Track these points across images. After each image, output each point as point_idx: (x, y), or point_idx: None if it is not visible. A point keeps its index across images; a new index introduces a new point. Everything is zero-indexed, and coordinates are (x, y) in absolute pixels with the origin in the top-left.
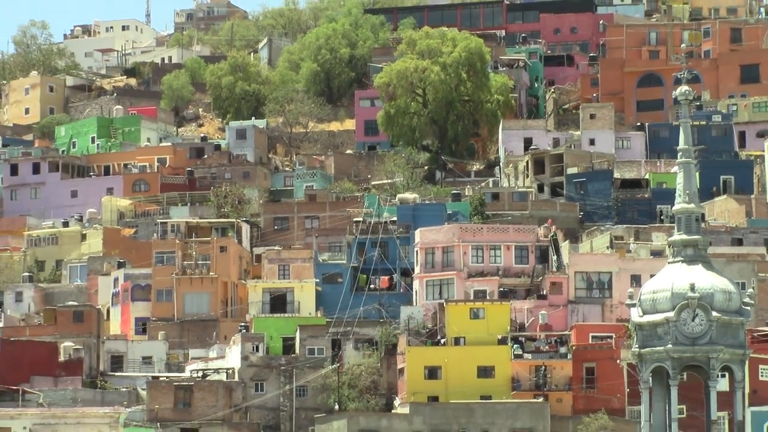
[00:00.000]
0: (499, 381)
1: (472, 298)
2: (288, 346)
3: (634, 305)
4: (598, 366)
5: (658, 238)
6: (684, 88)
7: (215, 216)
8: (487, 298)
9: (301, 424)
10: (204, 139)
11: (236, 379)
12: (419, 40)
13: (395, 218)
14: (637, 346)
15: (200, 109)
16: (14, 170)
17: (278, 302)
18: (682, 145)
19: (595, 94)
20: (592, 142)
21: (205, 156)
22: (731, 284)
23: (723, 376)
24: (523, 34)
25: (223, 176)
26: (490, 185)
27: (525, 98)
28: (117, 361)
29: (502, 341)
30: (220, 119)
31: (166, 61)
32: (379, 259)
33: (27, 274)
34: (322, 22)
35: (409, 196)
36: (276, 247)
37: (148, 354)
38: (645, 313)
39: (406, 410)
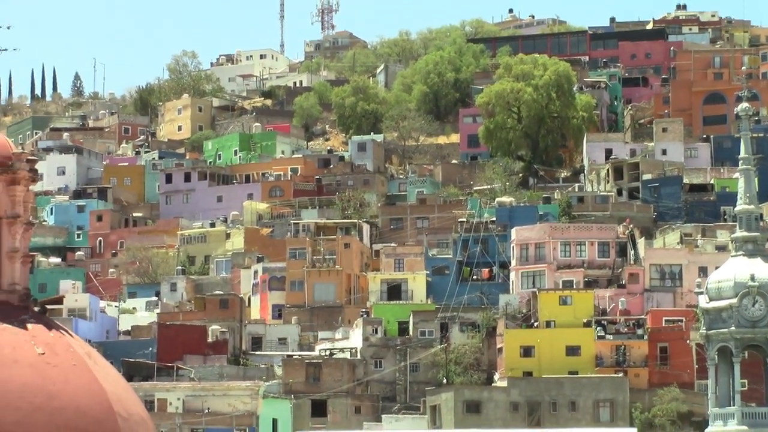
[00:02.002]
0: (584, 358)
1: (560, 287)
2: (402, 328)
3: (701, 293)
4: (670, 345)
5: (722, 235)
6: (744, 104)
7: (340, 217)
8: (574, 287)
9: (414, 396)
10: (330, 151)
11: (358, 357)
12: (514, 65)
13: (494, 218)
14: (704, 328)
15: (327, 126)
16: (169, 179)
17: (394, 291)
18: (742, 154)
19: (666, 111)
20: (664, 152)
21: (331, 166)
22: None
23: None
24: (604, 60)
25: (346, 183)
26: (576, 190)
27: (606, 114)
28: (257, 342)
29: (587, 324)
30: (344, 134)
31: (298, 85)
32: (481, 254)
33: (180, 267)
34: (431, 50)
35: (506, 199)
36: (392, 244)
37: (283, 336)
38: (711, 299)
39: (504, 384)
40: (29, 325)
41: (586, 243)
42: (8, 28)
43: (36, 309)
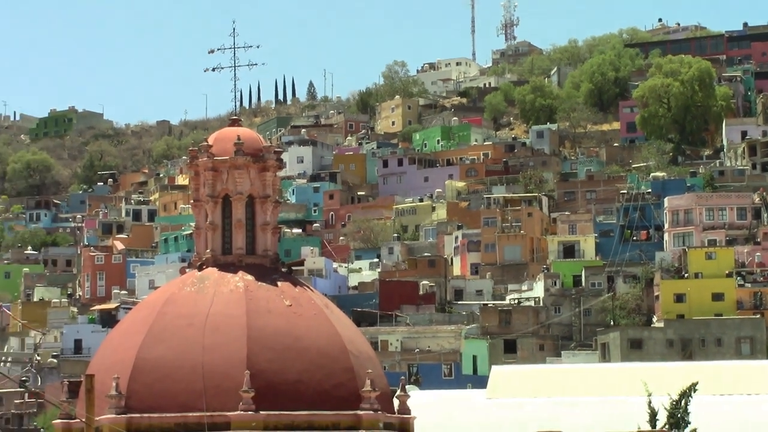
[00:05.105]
0: (727, 303)
1: (706, 244)
2: (576, 281)
3: None
4: None
5: None
6: None
7: (523, 191)
8: (717, 244)
9: (587, 335)
10: (514, 138)
11: (541, 304)
12: (664, 64)
13: (650, 190)
14: None
15: (511, 118)
16: (385, 164)
17: (569, 251)
18: None
19: None
20: None
21: (515, 150)
22: None
23: None
24: (739, 58)
25: (528, 164)
26: (717, 165)
27: (741, 103)
28: (459, 294)
29: (729, 275)
30: (525, 125)
31: (487, 86)
32: (639, 219)
33: (395, 235)
34: (595, 54)
35: (659, 174)
36: (566, 212)
37: (480, 288)
38: None
39: (661, 325)
40: (279, 283)
41: (727, 208)
42: (258, 47)
43: (284, 270)
